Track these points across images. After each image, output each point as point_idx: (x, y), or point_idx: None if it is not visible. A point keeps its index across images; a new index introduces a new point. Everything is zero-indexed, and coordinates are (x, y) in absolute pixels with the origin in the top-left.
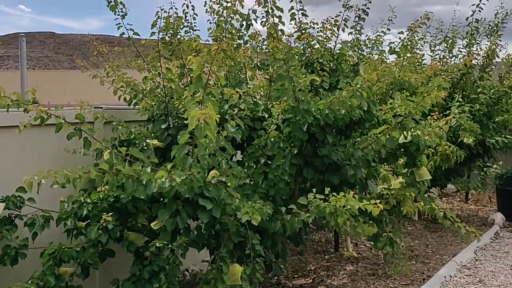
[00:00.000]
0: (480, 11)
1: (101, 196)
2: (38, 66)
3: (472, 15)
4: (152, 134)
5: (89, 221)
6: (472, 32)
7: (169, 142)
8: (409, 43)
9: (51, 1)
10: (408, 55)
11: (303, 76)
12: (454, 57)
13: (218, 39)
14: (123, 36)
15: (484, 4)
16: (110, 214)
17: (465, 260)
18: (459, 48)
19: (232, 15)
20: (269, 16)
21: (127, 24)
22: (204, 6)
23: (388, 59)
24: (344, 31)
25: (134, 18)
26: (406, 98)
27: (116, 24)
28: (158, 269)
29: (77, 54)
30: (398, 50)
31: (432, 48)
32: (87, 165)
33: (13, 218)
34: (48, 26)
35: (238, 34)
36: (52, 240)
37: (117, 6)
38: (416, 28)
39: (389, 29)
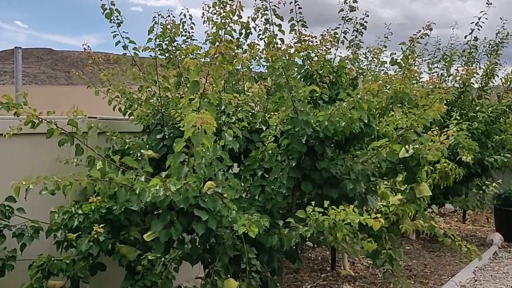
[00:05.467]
0: (479, 29)
1: (92, 207)
2: (35, 82)
3: (471, 33)
4: (147, 145)
5: (80, 232)
6: (471, 51)
7: (164, 153)
8: (410, 54)
9: (48, 17)
10: (406, 71)
11: (303, 87)
12: (451, 76)
13: (216, 42)
14: (119, 44)
15: (483, 22)
16: (101, 226)
17: (464, 280)
18: (457, 67)
19: (229, 20)
20: (269, 24)
21: (123, 32)
22: (202, 17)
23: (390, 70)
24: (343, 44)
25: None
26: (407, 111)
27: (112, 32)
28: (150, 284)
29: (76, 72)
30: (400, 61)
31: (430, 66)
32: (79, 172)
33: (1, 228)
34: (45, 43)
35: (237, 43)
36: (41, 252)
37: (113, 14)
38: (418, 38)
39: (385, 46)
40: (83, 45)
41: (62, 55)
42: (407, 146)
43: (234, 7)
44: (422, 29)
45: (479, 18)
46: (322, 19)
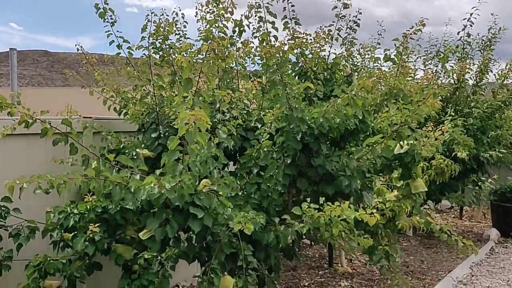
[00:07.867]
0: (471, 25)
1: (88, 207)
2: (31, 84)
3: (463, 29)
4: (143, 144)
5: (76, 232)
6: (464, 47)
7: (160, 151)
8: (404, 50)
9: (43, 19)
10: (400, 68)
11: (297, 84)
12: (446, 72)
13: (209, 39)
14: (113, 43)
15: (475, 18)
16: (97, 225)
17: (461, 275)
18: (452, 63)
19: (221, 17)
20: (262, 22)
21: (117, 31)
22: (196, 15)
23: (383, 66)
24: (337, 41)
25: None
26: (402, 107)
27: (106, 32)
28: (147, 283)
29: (70, 73)
30: (394, 57)
31: (425, 63)
32: (73, 171)
33: None
34: (40, 44)
35: (230, 40)
36: (38, 252)
37: (106, 13)
38: (411, 34)
39: (379, 43)
40: (76, 45)
41: (58, 57)
42: (401, 142)
43: (226, 4)
44: (415, 25)
45: (471, 14)
46: (319, 18)
